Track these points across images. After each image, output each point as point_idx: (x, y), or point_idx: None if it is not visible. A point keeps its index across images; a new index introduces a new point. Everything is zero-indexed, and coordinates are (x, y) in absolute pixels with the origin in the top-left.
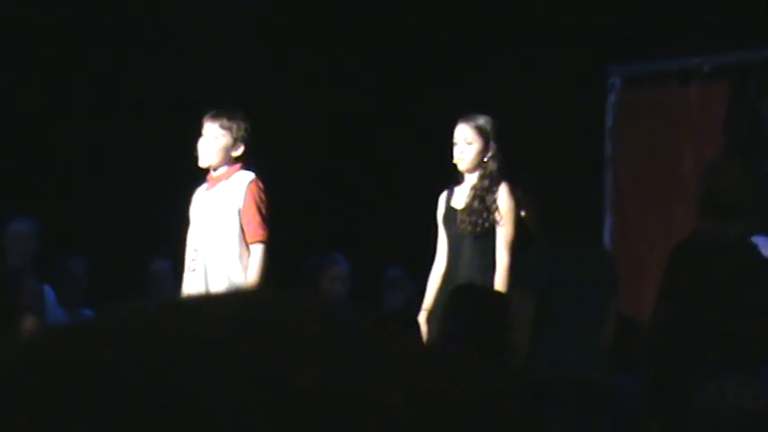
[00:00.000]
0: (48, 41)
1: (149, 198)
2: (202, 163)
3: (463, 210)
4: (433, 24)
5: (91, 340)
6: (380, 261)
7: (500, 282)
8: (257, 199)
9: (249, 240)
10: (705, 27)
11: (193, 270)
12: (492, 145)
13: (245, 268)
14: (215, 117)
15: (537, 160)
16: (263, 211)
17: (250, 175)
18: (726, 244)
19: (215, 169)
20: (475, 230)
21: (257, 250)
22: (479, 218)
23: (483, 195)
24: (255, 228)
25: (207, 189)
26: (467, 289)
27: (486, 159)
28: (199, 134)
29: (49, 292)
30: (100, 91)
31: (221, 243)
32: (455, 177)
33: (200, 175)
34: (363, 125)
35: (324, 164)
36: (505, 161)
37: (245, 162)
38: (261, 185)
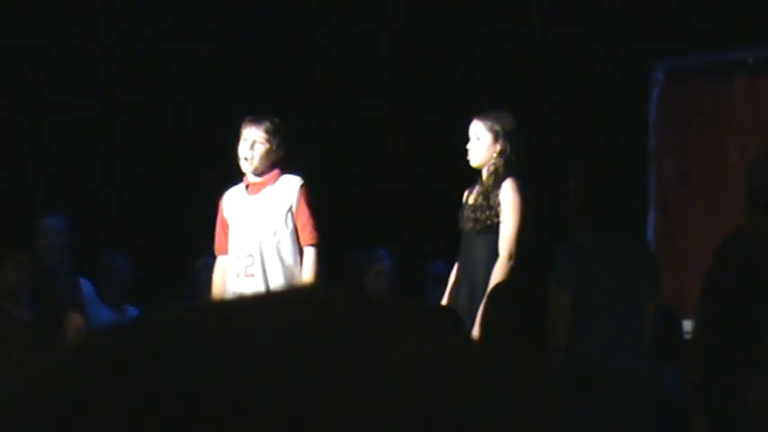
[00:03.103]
0: (93, 43)
1: (192, 195)
2: (245, 168)
3: (469, 207)
4: (475, 19)
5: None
6: (424, 256)
7: (494, 278)
8: (310, 203)
9: (303, 243)
10: (749, 19)
11: (252, 275)
12: (501, 142)
13: (301, 271)
14: (255, 122)
15: (580, 155)
16: (315, 214)
17: (299, 180)
18: None
19: (257, 174)
20: (475, 227)
21: (311, 253)
22: (481, 215)
23: (487, 192)
24: (310, 231)
25: (249, 194)
26: (505, 287)
27: (494, 155)
28: (238, 136)
29: (86, 285)
30: (142, 90)
31: (277, 247)
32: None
33: (240, 174)
34: (406, 119)
35: (366, 159)
36: (517, 158)
37: (284, 165)
38: (308, 190)
